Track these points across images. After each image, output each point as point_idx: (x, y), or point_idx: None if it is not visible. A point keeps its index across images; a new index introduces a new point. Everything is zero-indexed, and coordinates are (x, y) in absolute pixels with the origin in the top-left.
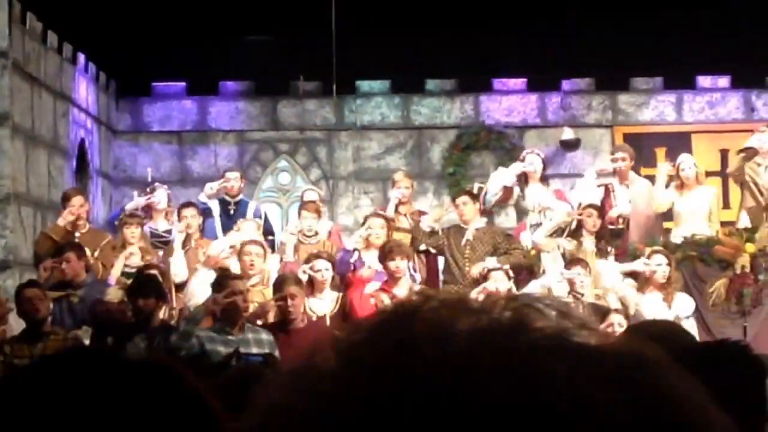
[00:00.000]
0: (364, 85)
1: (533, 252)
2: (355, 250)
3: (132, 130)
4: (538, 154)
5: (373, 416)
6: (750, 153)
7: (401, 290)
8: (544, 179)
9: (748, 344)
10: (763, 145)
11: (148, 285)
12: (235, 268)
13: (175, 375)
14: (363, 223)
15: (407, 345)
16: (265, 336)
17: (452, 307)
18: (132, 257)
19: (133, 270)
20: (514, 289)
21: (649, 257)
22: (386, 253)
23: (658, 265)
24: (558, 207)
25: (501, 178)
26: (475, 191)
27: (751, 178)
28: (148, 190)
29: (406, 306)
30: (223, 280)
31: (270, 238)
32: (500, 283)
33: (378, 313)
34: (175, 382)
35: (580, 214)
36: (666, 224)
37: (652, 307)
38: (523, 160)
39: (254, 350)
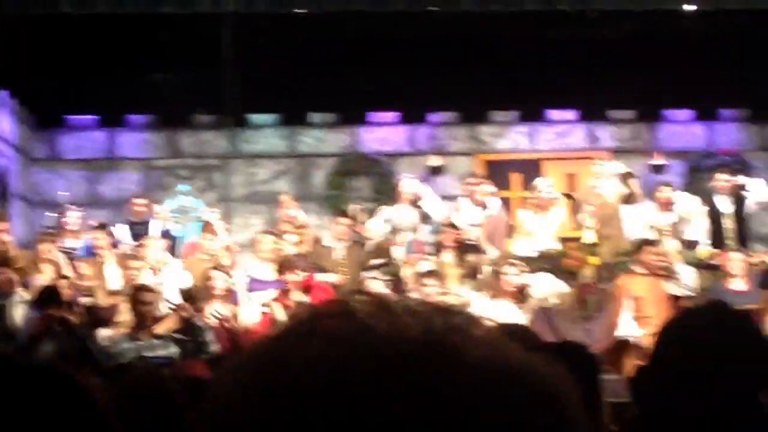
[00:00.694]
0: (255, 118)
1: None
2: None
3: (48, 158)
4: (414, 179)
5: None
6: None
7: (294, 300)
8: (414, 201)
9: (586, 344)
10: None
11: (50, 295)
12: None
13: (70, 380)
14: (256, 241)
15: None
16: (169, 341)
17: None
18: (44, 273)
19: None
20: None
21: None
22: (282, 267)
23: (510, 275)
24: (436, 209)
25: (380, 220)
26: (350, 213)
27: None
28: (61, 212)
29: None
30: (138, 292)
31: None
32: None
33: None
34: (71, 386)
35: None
36: (514, 239)
37: (506, 312)
38: (397, 185)
39: (160, 353)
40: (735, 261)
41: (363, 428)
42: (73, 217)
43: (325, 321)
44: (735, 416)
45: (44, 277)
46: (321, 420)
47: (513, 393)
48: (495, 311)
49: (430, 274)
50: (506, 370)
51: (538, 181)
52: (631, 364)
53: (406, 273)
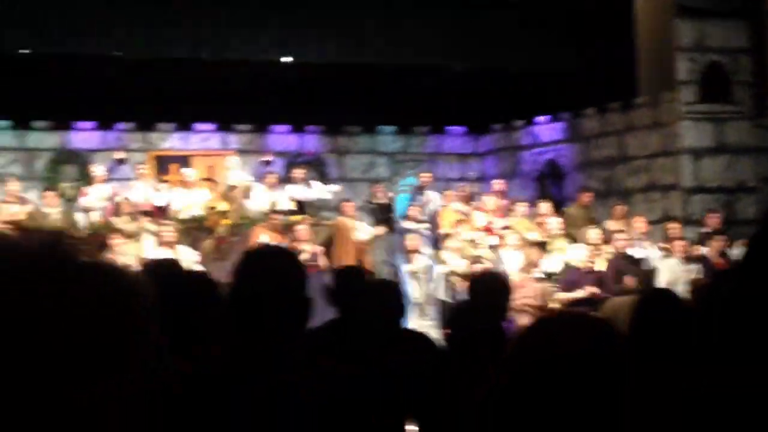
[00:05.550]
0: None
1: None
2: None
3: None
4: (102, 167)
5: None
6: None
7: None
8: (104, 181)
9: (215, 276)
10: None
11: None
12: None
13: None
14: None
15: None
16: None
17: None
18: None
19: None
20: None
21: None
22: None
23: (167, 232)
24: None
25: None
26: (60, 190)
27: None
28: None
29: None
30: None
31: None
32: None
33: None
34: None
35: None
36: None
37: (165, 254)
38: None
39: None
40: (302, 228)
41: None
42: None
43: None
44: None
45: None
46: None
47: (101, 278)
48: (161, 254)
49: (117, 231)
50: (96, 266)
51: (183, 170)
52: None
53: (101, 230)
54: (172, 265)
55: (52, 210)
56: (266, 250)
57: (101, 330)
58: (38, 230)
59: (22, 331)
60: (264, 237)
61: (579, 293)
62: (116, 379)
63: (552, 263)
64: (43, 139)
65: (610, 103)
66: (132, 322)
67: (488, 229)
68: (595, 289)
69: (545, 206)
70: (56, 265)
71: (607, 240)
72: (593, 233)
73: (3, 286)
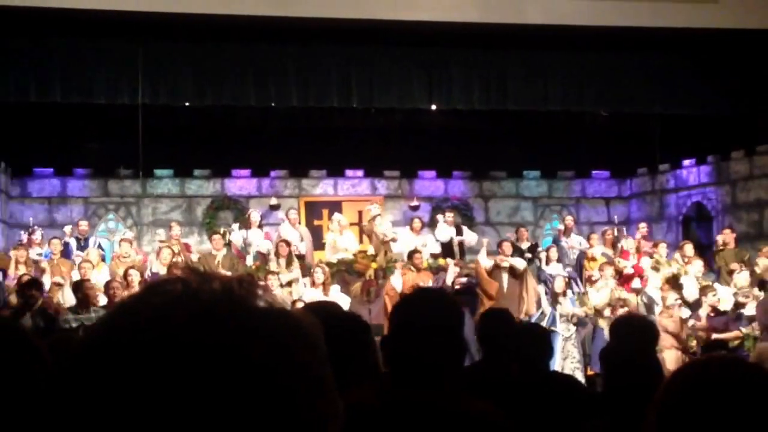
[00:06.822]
0: (159, 171)
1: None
2: None
3: (20, 195)
4: (257, 212)
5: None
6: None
7: None
8: (260, 226)
9: (363, 317)
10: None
11: (33, 283)
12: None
13: (19, 332)
14: (158, 251)
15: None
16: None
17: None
18: (19, 270)
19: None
20: None
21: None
22: (170, 268)
23: (320, 273)
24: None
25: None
26: (221, 232)
27: (373, 230)
28: (30, 230)
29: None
30: (80, 284)
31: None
32: None
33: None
34: (20, 336)
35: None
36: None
37: (317, 296)
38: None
39: None
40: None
41: (184, 346)
42: (38, 234)
43: (167, 284)
44: None
45: (18, 274)
46: (153, 342)
47: (282, 324)
48: (314, 294)
49: (272, 272)
50: (275, 311)
51: (335, 216)
52: None
53: (258, 272)
54: (332, 307)
55: (218, 254)
56: (424, 292)
57: (282, 377)
58: (212, 275)
59: (210, 379)
60: (405, 279)
61: (718, 335)
62: (302, 423)
63: (695, 304)
64: (203, 186)
65: (758, 146)
66: (312, 365)
67: (632, 273)
68: (729, 332)
69: (689, 247)
70: (236, 311)
71: (760, 283)
72: (742, 276)
73: (189, 333)
